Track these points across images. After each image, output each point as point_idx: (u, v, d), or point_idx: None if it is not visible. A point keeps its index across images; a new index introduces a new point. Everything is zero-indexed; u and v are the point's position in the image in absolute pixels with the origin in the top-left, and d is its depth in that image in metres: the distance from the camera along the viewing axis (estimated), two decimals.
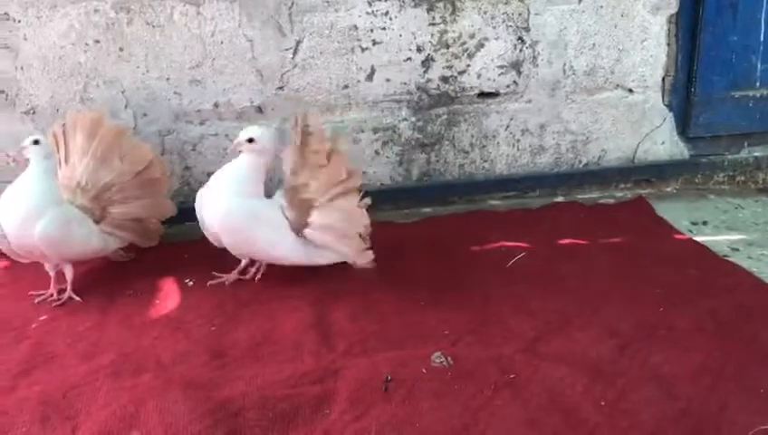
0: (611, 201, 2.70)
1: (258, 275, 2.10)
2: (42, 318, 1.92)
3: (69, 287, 2.03)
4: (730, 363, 1.62)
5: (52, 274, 2.04)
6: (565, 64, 2.63)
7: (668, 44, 2.67)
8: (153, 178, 2.20)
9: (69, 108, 2.38)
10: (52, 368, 1.67)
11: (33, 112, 2.39)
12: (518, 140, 2.68)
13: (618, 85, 2.69)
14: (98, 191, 2.09)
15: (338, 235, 1.99)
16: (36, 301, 2.01)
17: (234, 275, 2.09)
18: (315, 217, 1.97)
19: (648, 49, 2.66)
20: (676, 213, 2.57)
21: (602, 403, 1.48)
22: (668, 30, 2.65)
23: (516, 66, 2.59)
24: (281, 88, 2.49)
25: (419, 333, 1.80)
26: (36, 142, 1.95)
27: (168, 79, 2.43)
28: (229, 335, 1.80)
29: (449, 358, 1.66)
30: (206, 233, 2.07)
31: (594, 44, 2.62)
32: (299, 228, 1.97)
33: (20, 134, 2.34)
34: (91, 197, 2.08)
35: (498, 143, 2.67)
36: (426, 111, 2.59)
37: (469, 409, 1.48)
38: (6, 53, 2.33)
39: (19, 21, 2.31)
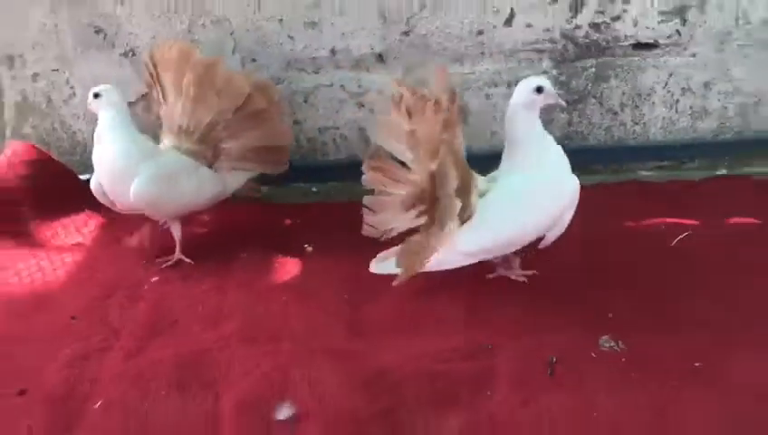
0: None
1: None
2: (153, 280, 2.04)
3: (177, 248, 2.14)
4: None
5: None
6: (738, 12, 2.59)
7: None
8: (258, 110, 2.23)
9: None
10: (178, 332, 1.79)
11: (133, 54, 2.52)
12: (677, 101, 2.67)
13: None
14: (202, 133, 2.16)
15: None
16: (144, 261, 2.13)
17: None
18: None
19: None
20: None
21: None
22: None
23: (680, 13, 2.58)
24: (406, 33, 2.54)
25: (577, 315, 1.83)
26: (96, 96, 2.04)
27: (280, 20, 2.51)
28: (362, 306, 1.89)
29: (620, 342, 1.69)
30: None
31: None
32: None
33: (119, 79, 2.49)
34: (197, 139, 2.16)
35: (653, 103, 2.67)
36: (570, 63, 2.61)
37: (656, 400, 1.50)
38: None
39: None
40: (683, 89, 2.66)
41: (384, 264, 1.93)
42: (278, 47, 2.53)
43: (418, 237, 1.87)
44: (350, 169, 2.58)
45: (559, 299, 1.91)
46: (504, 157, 1.91)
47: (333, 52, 2.55)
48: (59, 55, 2.52)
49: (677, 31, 2.60)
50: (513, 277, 2.00)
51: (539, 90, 1.83)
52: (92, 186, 2.08)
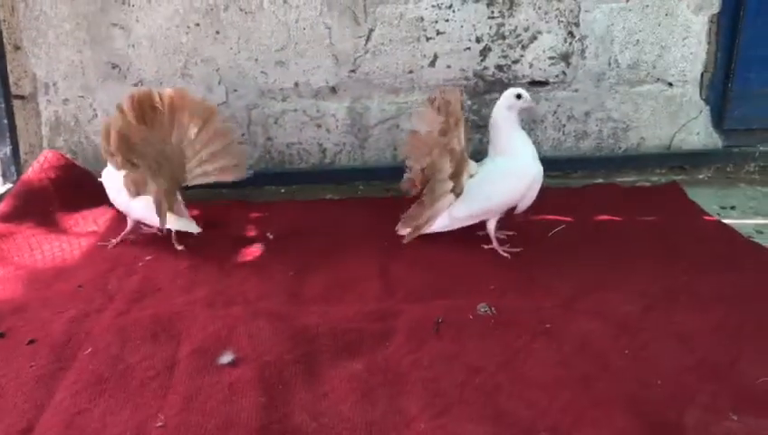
0: (647, 185, 2.74)
1: None
2: (147, 258, 2.08)
3: (124, 232, 2.17)
4: (746, 325, 1.67)
5: None
6: (611, 58, 2.67)
7: (709, 42, 2.69)
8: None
9: (171, 82, 2.56)
10: (158, 297, 1.83)
11: (141, 84, 2.57)
12: (564, 125, 2.75)
13: (658, 79, 2.72)
14: None
15: None
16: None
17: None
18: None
19: (689, 46, 2.68)
20: (707, 198, 2.60)
21: (626, 351, 1.57)
22: (709, 29, 2.67)
23: (565, 58, 2.65)
24: (353, 71, 2.61)
25: (467, 287, 1.90)
26: None
27: (256, 60, 2.57)
28: (304, 280, 1.93)
29: (493, 308, 1.76)
30: None
31: (638, 40, 2.66)
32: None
33: None
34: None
35: (545, 127, 2.74)
36: (481, 95, 2.68)
37: (509, 349, 1.58)
38: (121, 33, 2.52)
39: (133, 5, 2.49)
40: (568, 116, 2.73)
41: (404, 229, 2.16)
42: (254, 80, 2.60)
43: (413, 208, 2.13)
44: (310, 175, 2.70)
45: (452, 274, 1.97)
46: (489, 145, 2.11)
47: (297, 84, 2.62)
48: (84, 85, 2.57)
49: (563, 72, 2.67)
50: (500, 251, 2.11)
51: (518, 96, 2.02)
52: None
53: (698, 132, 2.79)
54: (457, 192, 2.06)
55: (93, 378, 1.46)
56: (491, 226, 2.11)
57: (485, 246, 2.13)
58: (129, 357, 1.54)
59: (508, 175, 2.05)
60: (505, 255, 2.10)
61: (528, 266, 2.03)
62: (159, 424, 1.31)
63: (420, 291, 1.88)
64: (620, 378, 1.47)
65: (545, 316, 1.73)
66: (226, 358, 1.51)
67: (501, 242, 2.14)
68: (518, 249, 2.12)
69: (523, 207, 2.08)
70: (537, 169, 2.05)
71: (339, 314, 1.73)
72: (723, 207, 2.53)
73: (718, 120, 2.78)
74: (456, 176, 2.04)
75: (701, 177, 2.82)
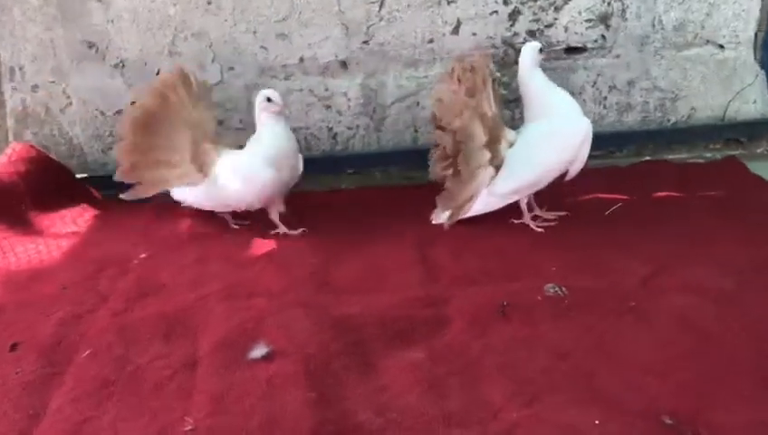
0: (701, 162, 2.64)
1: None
2: (142, 256, 1.95)
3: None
4: None
5: None
6: (654, 18, 2.58)
7: None
8: None
9: (157, 62, 2.43)
10: (163, 294, 1.71)
11: (123, 66, 2.44)
12: (605, 98, 2.65)
13: (708, 41, 2.63)
14: None
15: None
16: None
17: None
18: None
19: (741, 3, 2.60)
20: None
21: (735, 325, 1.45)
22: None
23: (604, 20, 2.56)
24: (366, 42, 2.50)
25: (525, 269, 1.79)
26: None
27: (254, 32, 2.45)
28: (331, 270, 1.82)
29: (563, 288, 1.64)
30: None
31: None
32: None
33: (109, 88, 2.43)
34: None
35: (584, 100, 2.63)
36: (511, 66, 2.56)
37: (594, 330, 1.47)
38: (98, 5, 2.39)
39: None
40: (609, 87, 2.63)
41: (441, 215, 2.05)
42: (253, 57, 2.47)
43: (449, 186, 2.01)
44: (320, 163, 2.56)
45: (502, 258, 1.86)
46: (525, 112, 2.04)
47: (302, 60, 2.50)
48: (55, 68, 2.43)
49: (602, 36, 2.58)
50: (532, 226, 2.03)
51: (541, 50, 2.00)
52: None
53: (755, 100, 2.70)
54: (496, 164, 1.96)
55: (96, 382, 1.33)
56: (522, 201, 2.03)
57: (515, 221, 2.04)
58: (137, 358, 1.41)
59: (554, 135, 1.95)
60: (539, 229, 2.01)
61: (589, 246, 1.92)
62: (188, 428, 1.17)
63: (469, 276, 1.77)
64: (738, 353, 1.35)
65: (626, 295, 1.62)
66: (259, 351, 1.39)
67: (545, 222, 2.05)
68: (552, 222, 2.04)
69: (574, 171, 1.97)
70: (585, 124, 1.95)
71: (382, 302, 1.61)
72: None
73: None
74: (493, 143, 1.96)
75: (760, 150, 2.72)
